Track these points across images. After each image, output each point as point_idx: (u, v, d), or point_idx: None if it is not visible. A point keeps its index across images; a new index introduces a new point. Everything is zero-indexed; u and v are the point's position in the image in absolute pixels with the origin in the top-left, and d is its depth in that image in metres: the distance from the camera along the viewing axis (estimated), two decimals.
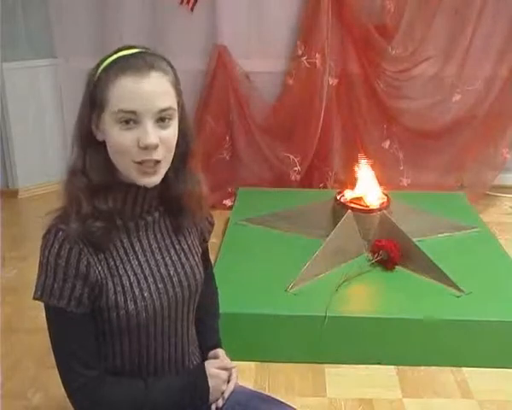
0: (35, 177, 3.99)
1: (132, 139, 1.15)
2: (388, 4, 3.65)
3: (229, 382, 1.42)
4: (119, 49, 1.20)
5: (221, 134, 3.86)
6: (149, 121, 1.15)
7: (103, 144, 1.20)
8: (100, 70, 1.18)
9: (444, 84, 3.81)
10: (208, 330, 1.55)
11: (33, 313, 2.64)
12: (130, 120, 1.15)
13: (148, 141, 1.14)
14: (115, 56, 1.18)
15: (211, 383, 1.36)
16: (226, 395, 1.40)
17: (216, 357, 1.47)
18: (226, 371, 1.41)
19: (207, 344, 1.51)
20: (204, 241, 1.48)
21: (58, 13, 3.80)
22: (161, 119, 1.17)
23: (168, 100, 1.18)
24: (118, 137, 1.16)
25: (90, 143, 1.20)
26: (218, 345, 1.53)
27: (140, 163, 1.17)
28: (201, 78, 3.79)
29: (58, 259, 1.17)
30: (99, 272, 1.20)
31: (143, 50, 1.20)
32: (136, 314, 1.23)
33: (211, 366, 1.39)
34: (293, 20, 3.76)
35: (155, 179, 1.20)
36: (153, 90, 1.15)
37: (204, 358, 1.48)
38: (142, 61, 1.15)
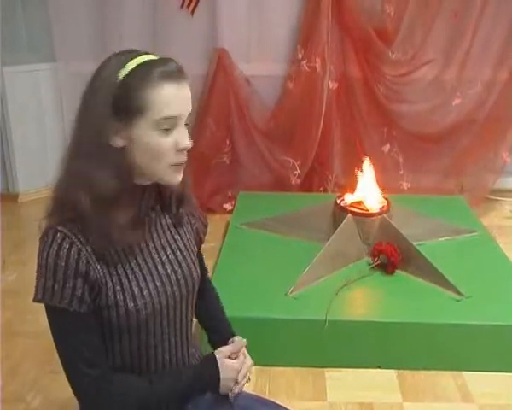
0: (35, 181, 3.99)
1: (171, 143, 1.20)
2: (388, 8, 3.66)
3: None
4: (134, 55, 1.19)
5: (221, 138, 3.86)
6: (183, 125, 1.21)
7: (119, 151, 1.19)
8: (124, 75, 1.16)
9: (444, 87, 3.82)
10: (221, 324, 1.57)
11: (33, 317, 2.64)
12: (168, 124, 1.19)
13: (186, 143, 1.21)
14: (137, 62, 1.17)
15: (222, 373, 1.34)
16: (240, 378, 1.38)
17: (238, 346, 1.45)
18: (239, 361, 1.39)
19: (224, 337, 1.50)
20: (200, 241, 1.49)
21: (58, 14, 3.80)
22: (186, 122, 1.22)
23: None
24: (157, 142, 1.18)
25: (108, 152, 1.18)
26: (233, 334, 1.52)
27: (174, 165, 1.21)
28: (202, 81, 3.80)
29: (57, 259, 1.17)
30: (98, 271, 1.21)
31: (165, 57, 1.21)
32: (135, 312, 1.24)
33: (223, 356, 1.37)
34: (293, 23, 3.77)
35: (181, 177, 1.25)
36: (187, 95, 1.21)
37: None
38: (175, 66, 1.19)
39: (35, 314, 2.62)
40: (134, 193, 1.24)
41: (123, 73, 1.17)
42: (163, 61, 1.20)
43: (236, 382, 1.37)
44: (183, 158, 1.22)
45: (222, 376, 1.34)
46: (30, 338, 2.56)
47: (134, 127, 1.17)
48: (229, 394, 1.37)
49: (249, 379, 1.44)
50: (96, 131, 1.17)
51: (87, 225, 1.18)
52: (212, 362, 1.35)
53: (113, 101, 1.16)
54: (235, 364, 1.38)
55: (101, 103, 1.17)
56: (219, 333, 1.54)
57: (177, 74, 1.18)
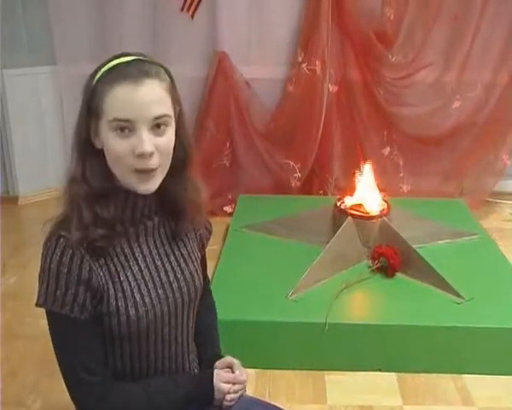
0: (35, 183, 3.99)
1: (128, 147, 1.16)
2: (388, 11, 3.66)
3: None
4: (115, 57, 1.20)
5: (221, 141, 3.86)
6: (144, 129, 1.16)
7: (102, 152, 1.20)
8: (95, 79, 1.18)
9: (444, 90, 3.81)
10: (211, 342, 1.53)
11: (33, 320, 2.64)
12: (125, 128, 1.15)
13: (142, 149, 1.15)
14: (110, 65, 1.18)
15: (216, 394, 1.35)
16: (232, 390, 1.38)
17: (228, 366, 1.43)
18: (237, 386, 1.38)
19: (209, 355, 1.49)
20: (202, 247, 1.48)
21: (58, 14, 3.79)
22: (157, 125, 1.18)
23: (163, 107, 1.18)
24: (114, 145, 1.17)
25: (88, 151, 1.21)
26: (220, 356, 1.49)
27: (137, 171, 1.18)
28: (202, 84, 3.80)
29: (60, 265, 1.17)
30: (100, 277, 1.20)
31: (139, 58, 1.20)
32: (136, 320, 1.24)
33: (220, 379, 1.37)
34: (294, 26, 3.76)
35: (152, 186, 1.21)
36: (147, 98, 1.15)
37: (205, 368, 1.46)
38: (135, 69, 1.16)
39: (35, 317, 2.61)
40: (126, 196, 1.23)
41: (96, 77, 1.19)
42: (128, 63, 1.18)
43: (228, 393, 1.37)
44: (146, 164, 1.17)
45: (216, 396, 1.35)
46: (30, 341, 2.56)
47: (100, 130, 1.18)
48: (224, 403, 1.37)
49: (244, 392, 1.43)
50: (81, 132, 1.20)
51: (73, 215, 1.19)
52: (209, 382, 1.35)
53: (87, 104, 1.19)
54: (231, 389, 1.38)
55: (83, 106, 1.20)
56: (206, 353, 1.50)
57: (135, 76, 1.14)
